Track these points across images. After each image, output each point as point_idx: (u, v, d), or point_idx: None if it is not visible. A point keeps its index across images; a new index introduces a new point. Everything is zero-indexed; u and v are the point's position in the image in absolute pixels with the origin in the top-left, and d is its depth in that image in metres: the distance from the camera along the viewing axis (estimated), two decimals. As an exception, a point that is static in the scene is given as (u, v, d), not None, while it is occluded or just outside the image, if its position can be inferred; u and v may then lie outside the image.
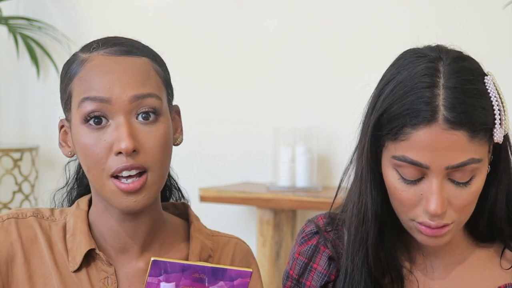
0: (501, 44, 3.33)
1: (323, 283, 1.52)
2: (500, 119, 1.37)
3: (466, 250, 1.49)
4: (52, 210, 1.48)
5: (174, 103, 1.48)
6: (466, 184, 1.37)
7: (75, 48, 3.73)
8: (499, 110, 1.37)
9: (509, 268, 1.47)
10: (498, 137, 1.38)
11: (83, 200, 1.48)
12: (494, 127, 1.37)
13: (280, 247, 3.49)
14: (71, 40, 4.01)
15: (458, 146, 1.34)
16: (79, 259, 1.42)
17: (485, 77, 1.38)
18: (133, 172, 1.35)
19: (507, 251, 1.48)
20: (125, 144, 1.33)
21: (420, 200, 1.37)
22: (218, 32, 3.84)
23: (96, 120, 1.36)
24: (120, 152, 1.34)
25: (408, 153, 1.35)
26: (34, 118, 4.19)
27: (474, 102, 1.35)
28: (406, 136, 1.35)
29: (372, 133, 1.41)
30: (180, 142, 1.45)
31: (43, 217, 1.46)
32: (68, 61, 1.46)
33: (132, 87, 1.36)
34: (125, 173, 1.35)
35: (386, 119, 1.38)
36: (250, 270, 1.25)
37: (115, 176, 1.35)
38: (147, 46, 1.48)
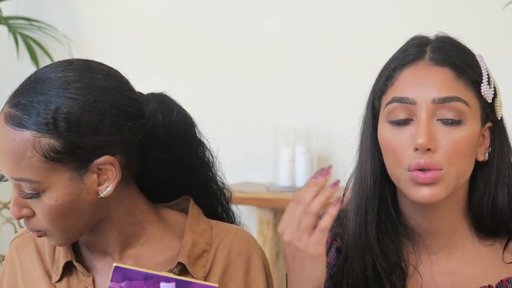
0: (501, 44, 3.33)
1: (331, 273, 1.53)
2: (488, 80, 1.44)
3: (469, 244, 1.50)
4: None
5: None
6: (454, 124, 1.40)
7: (75, 48, 3.72)
8: (487, 75, 1.44)
9: (511, 262, 1.48)
10: (485, 92, 1.44)
11: None
12: (482, 82, 1.43)
13: (280, 247, 3.50)
14: (71, 40, 4.01)
15: (444, 81, 1.41)
16: (60, 270, 1.44)
17: (476, 53, 1.48)
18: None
19: (510, 244, 1.50)
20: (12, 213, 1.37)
21: (409, 143, 1.41)
22: (218, 32, 3.84)
23: None
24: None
25: (396, 93, 1.43)
26: (34, 118, 4.19)
27: (461, 53, 1.45)
28: (395, 78, 1.44)
29: (372, 99, 1.47)
30: (107, 194, 1.37)
31: None
32: None
33: (9, 169, 1.34)
34: None
35: (380, 76, 1.47)
36: (216, 285, 1.25)
37: None
38: (43, 110, 1.33)
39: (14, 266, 1.50)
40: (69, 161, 1.33)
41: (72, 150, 1.33)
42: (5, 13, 4.10)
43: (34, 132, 1.31)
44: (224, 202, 1.57)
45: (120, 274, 1.23)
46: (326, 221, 1.35)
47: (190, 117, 1.51)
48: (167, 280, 1.23)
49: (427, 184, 1.40)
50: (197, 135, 1.52)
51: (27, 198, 1.35)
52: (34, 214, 1.37)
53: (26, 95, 1.34)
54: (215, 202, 1.56)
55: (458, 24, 3.38)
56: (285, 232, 1.36)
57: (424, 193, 1.41)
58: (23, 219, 1.41)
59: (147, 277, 1.23)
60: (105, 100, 1.35)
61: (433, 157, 1.39)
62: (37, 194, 1.34)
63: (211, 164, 1.55)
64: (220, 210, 1.57)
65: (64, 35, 4.03)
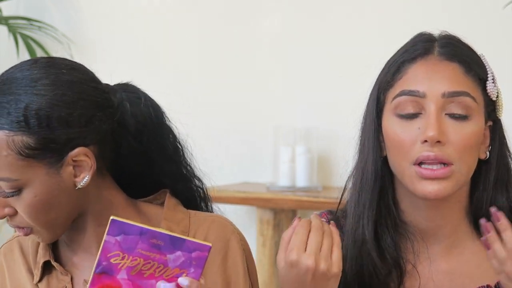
0: (501, 44, 3.32)
1: None
2: (493, 78, 1.45)
3: (469, 243, 1.50)
4: None
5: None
6: (462, 119, 1.41)
7: (75, 48, 3.73)
8: (492, 74, 1.46)
9: None
10: (491, 89, 1.45)
11: None
12: (487, 80, 1.45)
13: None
14: (71, 40, 4.00)
15: (454, 75, 1.43)
16: (40, 270, 1.47)
17: (479, 53, 1.49)
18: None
19: None
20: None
21: (417, 136, 1.41)
22: (218, 32, 3.83)
23: None
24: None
25: (406, 86, 1.43)
26: (34, 118, 4.18)
27: (468, 50, 1.47)
28: (404, 72, 1.44)
29: (377, 93, 1.47)
30: (84, 184, 1.40)
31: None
32: None
33: None
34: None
35: (386, 70, 1.47)
36: (209, 244, 1.25)
37: None
38: (16, 107, 1.36)
39: (2, 272, 1.52)
40: (44, 156, 1.36)
41: (46, 145, 1.36)
42: (5, 13, 4.09)
43: (7, 131, 1.35)
44: (200, 188, 1.58)
45: (116, 227, 1.24)
46: (338, 236, 1.38)
47: (158, 105, 1.53)
48: (162, 238, 1.24)
49: (436, 179, 1.40)
50: (167, 122, 1.54)
51: (8, 197, 1.37)
52: (16, 212, 1.39)
53: None
54: (194, 191, 1.57)
55: (459, 24, 3.38)
56: (309, 259, 1.35)
57: (431, 189, 1.40)
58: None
59: (142, 232, 1.24)
60: (72, 93, 1.38)
61: (443, 150, 1.39)
62: (17, 192, 1.36)
63: (181, 152, 1.56)
64: (198, 197, 1.58)
65: (64, 35, 4.03)
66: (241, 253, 1.49)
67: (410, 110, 1.42)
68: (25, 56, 4.07)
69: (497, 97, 1.46)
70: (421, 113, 1.42)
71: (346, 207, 1.53)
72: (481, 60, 1.47)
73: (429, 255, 1.49)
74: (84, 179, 1.40)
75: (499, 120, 1.48)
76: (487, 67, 1.46)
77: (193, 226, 1.49)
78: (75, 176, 1.39)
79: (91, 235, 1.45)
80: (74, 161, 1.38)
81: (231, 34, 3.81)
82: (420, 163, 1.41)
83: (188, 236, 1.46)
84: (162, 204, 1.52)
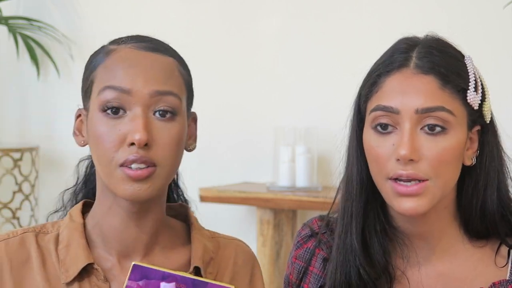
0: (501, 44, 3.33)
1: (319, 284, 1.52)
2: (475, 86, 1.41)
3: (460, 246, 1.49)
4: (43, 224, 1.47)
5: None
6: (438, 133, 1.39)
7: (75, 48, 3.71)
8: (475, 80, 1.42)
9: (504, 265, 1.47)
10: (471, 99, 1.41)
11: (76, 212, 1.46)
12: (468, 89, 1.41)
13: (280, 247, 3.50)
14: (71, 40, 4.01)
15: (429, 90, 1.39)
16: (73, 272, 1.40)
17: (466, 56, 1.45)
18: (142, 166, 1.35)
19: (502, 248, 1.48)
20: (139, 135, 1.34)
21: (393, 153, 1.39)
22: (218, 31, 3.84)
23: (113, 110, 1.37)
24: (132, 144, 1.35)
25: (381, 101, 1.42)
26: (34, 118, 4.19)
27: (448, 60, 1.42)
28: (380, 85, 1.43)
29: (358, 102, 1.47)
30: (193, 149, 1.47)
31: (34, 231, 1.45)
32: (95, 51, 1.47)
33: (154, 82, 1.39)
34: (134, 166, 1.35)
35: (366, 80, 1.46)
36: (232, 286, 1.26)
37: (124, 165, 1.36)
38: (175, 50, 1.54)
39: (1, 272, 1.42)
40: (187, 99, 1.46)
41: (190, 87, 1.49)
42: (5, 13, 4.10)
43: (175, 60, 1.49)
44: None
45: (139, 273, 1.24)
46: None
47: None
48: (184, 281, 1.25)
49: (411, 196, 1.39)
50: None
51: (167, 114, 1.39)
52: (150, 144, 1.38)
53: (149, 39, 1.53)
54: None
55: (458, 23, 3.38)
56: None
57: (407, 206, 1.40)
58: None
59: (164, 276, 1.24)
60: None
61: (417, 168, 1.38)
62: (176, 114, 1.40)
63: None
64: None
65: (64, 35, 4.04)
66: (262, 279, 1.51)
67: (385, 125, 1.41)
68: (25, 56, 4.08)
69: (484, 101, 1.44)
70: (396, 128, 1.40)
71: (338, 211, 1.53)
72: (464, 67, 1.43)
73: (419, 259, 1.48)
74: (193, 144, 1.48)
75: (490, 124, 1.46)
76: (469, 74, 1.42)
77: (219, 247, 1.49)
78: (189, 138, 1.47)
79: (146, 232, 1.41)
80: (188, 125, 1.45)
81: (231, 34, 3.82)
82: (395, 179, 1.40)
83: (216, 257, 1.47)
84: (175, 216, 1.51)
